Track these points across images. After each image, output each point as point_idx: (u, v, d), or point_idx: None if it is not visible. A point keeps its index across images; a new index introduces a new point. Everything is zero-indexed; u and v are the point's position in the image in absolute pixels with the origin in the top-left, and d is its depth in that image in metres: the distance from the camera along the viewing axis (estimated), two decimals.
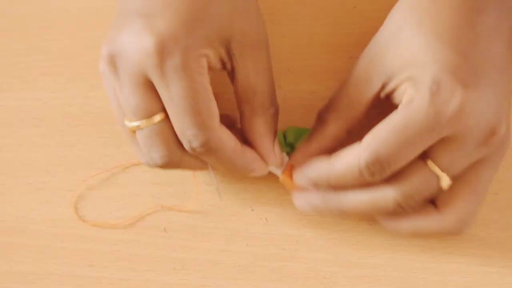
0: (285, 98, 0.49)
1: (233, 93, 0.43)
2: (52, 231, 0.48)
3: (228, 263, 0.48)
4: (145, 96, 0.40)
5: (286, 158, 0.47)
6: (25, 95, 0.50)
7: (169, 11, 0.39)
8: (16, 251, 0.48)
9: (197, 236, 0.48)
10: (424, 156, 0.40)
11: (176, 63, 0.39)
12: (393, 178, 0.41)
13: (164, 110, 0.40)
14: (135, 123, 0.40)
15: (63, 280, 0.48)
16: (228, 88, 0.44)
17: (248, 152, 0.43)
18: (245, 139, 0.44)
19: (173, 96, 0.39)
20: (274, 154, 0.44)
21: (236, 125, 0.45)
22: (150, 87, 0.40)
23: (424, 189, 0.41)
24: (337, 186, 0.42)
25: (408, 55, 0.40)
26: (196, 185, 0.48)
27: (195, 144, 0.40)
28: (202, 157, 0.41)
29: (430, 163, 0.40)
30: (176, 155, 0.41)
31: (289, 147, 0.47)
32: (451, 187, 0.41)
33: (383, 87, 0.42)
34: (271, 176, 0.46)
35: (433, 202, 0.43)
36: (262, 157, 0.44)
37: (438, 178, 0.40)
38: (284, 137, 0.47)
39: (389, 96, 0.42)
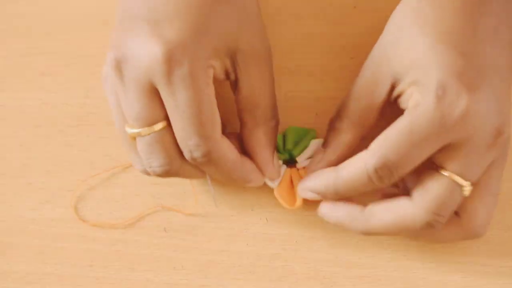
0: (285, 98, 0.49)
1: (235, 102, 0.43)
2: (52, 231, 0.49)
3: (228, 263, 0.48)
4: (149, 103, 0.40)
5: (283, 167, 0.47)
6: (25, 95, 0.50)
7: (178, 19, 0.39)
8: (16, 251, 0.48)
9: (197, 236, 0.48)
10: (440, 168, 0.40)
11: (184, 72, 0.38)
12: (417, 198, 0.41)
13: (166, 118, 0.40)
14: (137, 130, 0.40)
15: (63, 280, 0.48)
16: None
17: (247, 163, 0.43)
18: (243, 148, 0.44)
19: (178, 104, 0.39)
20: (273, 166, 0.44)
21: (226, 128, 0.45)
22: (154, 95, 0.40)
23: (450, 202, 0.40)
24: (346, 195, 0.42)
25: (413, 58, 0.40)
26: (193, 186, 0.48)
27: (197, 154, 0.40)
28: (201, 167, 0.42)
29: (450, 174, 0.40)
30: (175, 164, 0.41)
31: (287, 154, 0.47)
32: (471, 194, 0.41)
33: (391, 91, 0.42)
34: None
35: None
36: (260, 168, 0.44)
37: (461, 187, 0.40)
38: (283, 141, 0.47)
39: (396, 100, 0.42)
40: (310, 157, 0.46)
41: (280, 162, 0.47)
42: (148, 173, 0.43)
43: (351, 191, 0.42)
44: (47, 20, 0.51)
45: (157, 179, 0.48)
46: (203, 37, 0.39)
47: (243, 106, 0.43)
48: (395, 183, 0.43)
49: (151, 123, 0.40)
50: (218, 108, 0.41)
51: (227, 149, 0.41)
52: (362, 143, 0.42)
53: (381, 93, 0.42)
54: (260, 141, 0.43)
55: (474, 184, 0.41)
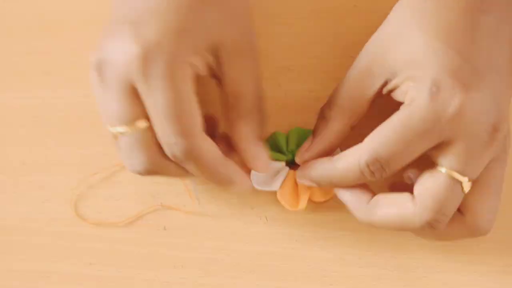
0: (285, 97, 0.49)
1: (220, 100, 0.43)
2: (52, 230, 0.49)
3: (228, 262, 0.48)
4: (129, 103, 0.40)
5: (286, 169, 0.47)
6: (26, 94, 0.50)
7: (156, 19, 0.39)
8: (16, 250, 0.48)
9: (197, 234, 0.48)
10: (438, 165, 0.40)
11: (160, 70, 0.39)
12: (417, 195, 0.41)
13: (147, 117, 0.40)
14: (118, 129, 0.40)
15: (63, 278, 0.48)
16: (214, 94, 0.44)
17: (231, 164, 0.43)
18: (232, 147, 0.44)
19: (156, 103, 0.39)
20: (259, 159, 0.44)
21: (218, 128, 0.45)
22: (134, 94, 0.40)
23: (450, 200, 0.40)
24: (340, 185, 0.43)
25: (409, 54, 0.40)
26: (185, 185, 0.48)
27: (176, 152, 0.40)
28: (183, 165, 0.41)
29: (447, 170, 0.40)
30: (156, 162, 0.41)
31: (291, 154, 0.47)
32: (473, 192, 0.41)
33: (385, 84, 0.42)
34: None
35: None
36: (248, 163, 0.43)
37: (460, 184, 0.40)
38: (287, 141, 0.47)
39: (390, 93, 0.42)
40: None
41: (283, 163, 0.47)
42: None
43: (345, 182, 0.42)
44: (47, 20, 0.51)
45: (157, 178, 0.48)
46: (182, 35, 0.39)
47: (226, 102, 0.42)
48: (408, 176, 0.43)
49: (131, 122, 0.40)
50: (211, 108, 0.41)
51: (207, 147, 0.41)
52: (358, 135, 0.42)
53: (374, 86, 0.42)
54: (244, 135, 0.43)
55: (476, 181, 0.41)
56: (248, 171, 0.44)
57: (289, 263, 0.48)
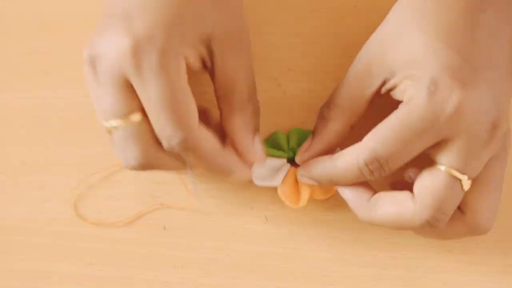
0: (285, 97, 0.49)
1: (214, 92, 0.43)
2: (52, 230, 0.49)
3: (228, 262, 0.48)
4: (122, 96, 0.40)
5: (287, 166, 0.47)
6: (26, 94, 0.50)
7: (147, 12, 0.39)
8: (16, 250, 0.48)
9: (197, 234, 0.48)
10: (437, 163, 0.41)
11: (153, 63, 0.39)
12: (417, 194, 0.41)
13: (141, 111, 0.40)
14: (112, 123, 0.40)
15: (63, 278, 0.48)
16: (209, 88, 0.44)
17: (229, 154, 0.43)
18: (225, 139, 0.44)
19: (150, 95, 0.39)
20: (254, 150, 0.44)
21: (216, 120, 0.45)
22: (128, 88, 0.40)
23: (449, 198, 0.40)
24: (340, 184, 0.43)
25: (408, 53, 0.40)
26: (183, 182, 0.48)
27: (173, 143, 0.40)
28: (182, 155, 0.41)
29: (447, 168, 0.40)
30: (150, 155, 0.41)
31: (292, 152, 0.47)
32: (473, 190, 0.41)
33: (383, 84, 0.42)
34: None
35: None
36: (242, 154, 0.44)
37: (459, 182, 0.40)
38: (288, 140, 0.47)
39: (390, 92, 0.42)
40: None
41: (284, 160, 0.47)
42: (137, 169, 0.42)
43: (345, 181, 0.42)
44: (47, 19, 0.51)
45: (157, 178, 0.48)
46: (174, 27, 0.40)
47: (219, 94, 0.42)
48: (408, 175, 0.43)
49: (125, 116, 0.40)
50: (204, 101, 0.41)
51: (204, 136, 0.41)
52: (358, 135, 0.42)
53: (373, 85, 0.42)
54: (237, 126, 0.43)
55: (475, 180, 0.41)
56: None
57: (289, 263, 0.48)
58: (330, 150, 0.44)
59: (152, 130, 0.41)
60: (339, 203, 0.46)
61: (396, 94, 0.41)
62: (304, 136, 0.46)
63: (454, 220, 0.42)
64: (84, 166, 0.49)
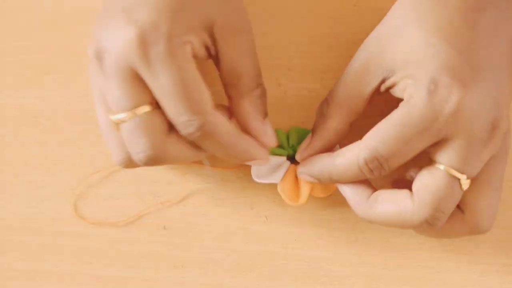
0: (285, 96, 0.49)
1: (220, 80, 0.43)
2: (52, 229, 0.49)
3: (228, 261, 0.48)
4: (131, 89, 0.39)
5: (287, 163, 0.47)
6: (26, 93, 0.50)
7: (149, 2, 0.39)
8: (16, 249, 0.48)
9: (197, 234, 0.48)
10: (436, 162, 0.41)
11: (161, 51, 0.39)
12: (416, 192, 0.41)
13: (150, 102, 0.40)
14: (120, 116, 0.40)
15: (63, 278, 0.48)
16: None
17: (247, 137, 0.43)
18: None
19: (162, 84, 0.39)
20: (266, 133, 0.43)
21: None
22: (136, 79, 0.39)
23: (448, 197, 0.40)
24: (340, 182, 0.43)
25: (408, 52, 0.40)
26: (187, 184, 0.48)
27: (191, 129, 0.40)
28: (199, 143, 0.41)
29: (446, 167, 0.40)
30: (160, 148, 0.41)
31: (292, 149, 0.47)
32: (473, 189, 0.41)
33: (383, 81, 0.42)
34: None
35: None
36: (255, 138, 0.43)
37: (458, 181, 0.40)
38: (287, 138, 0.47)
39: (389, 90, 0.42)
40: None
41: (284, 157, 0.47)
42: (127, 166, 0.42)
43: (344, 179, 0.42)
44: (47, 19, 0.51)
45: (157, 177, 0.48)
46: (176, 14, 0.39)
47: (226, 81, 0.42)
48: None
49: (134, 107, 0.40)
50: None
51: (220, 121, 0.41)
52: (357, 133, 0.42)
53: (371, 82, 0.42)
54: (247, 111, 0.43)
55: (475, 179, 0.41)
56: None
57: (289, 263, 0.48)
58: (330, 148, 0.44)
59: (161, 121, 0.40)
60: (339, 203, 0.46)
61: (396, 92, 0.41)
62: (304, 134, 0.46)
63: (453, 219, 0.42)
64: (84, 166, 0.49)
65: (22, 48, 0.51)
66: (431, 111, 0.39)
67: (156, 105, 0.40)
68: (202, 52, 0.41)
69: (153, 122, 0.40)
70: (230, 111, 0.43)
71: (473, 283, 0.47)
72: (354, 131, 0.42)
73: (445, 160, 0.40)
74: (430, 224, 0.40)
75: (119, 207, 0.48)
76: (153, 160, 0.41)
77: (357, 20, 0.49)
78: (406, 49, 0.40)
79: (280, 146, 0.47)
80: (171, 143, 0.41)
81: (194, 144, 0.41)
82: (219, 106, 0.43)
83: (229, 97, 0.43)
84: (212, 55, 0.42)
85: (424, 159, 0.41)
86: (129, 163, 0.42)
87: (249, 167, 0.46)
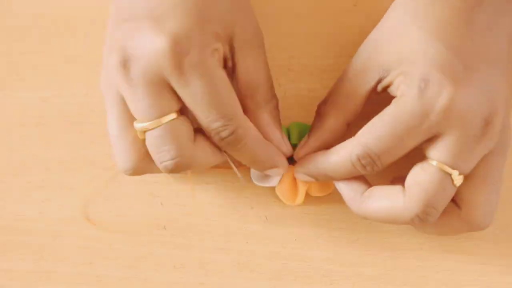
0: (285, 96, 0.49)
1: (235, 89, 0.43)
2: (52, 229, 0.49)
3: (228, 261, 0.48)
4: (159, 97, 0.40)
5: None
6: (26, 93, 0.50)
7: (178, 12, 0.40)
8: (16, 249, 0.48)
9: (197, 234, 0.48)
10: (428, 158, 0.41)
11: (194, 60, 0.39)
12: (408, 188, 0.41)
13: (176, 110, 0.40)
14: (147, 124, 0.40)
15: (63, 278, 0.48)
16: None
17: (272, 145, 0.44)
18: None
19: (195, 93, 0.39)
20: (285, 143, 0.45)
21: None
22: (164, 88, 0.40)
23: (440, 193, 0.40)
24: (336, 178, 0.44)
25: (401, 50, 0.41)
26: (191, 184, 0.48)
27: (225, 133, 0.41)
28: (228, 147, 0.42)
29: (437, 163, 0.40)
30: (187, 154, 0.41)
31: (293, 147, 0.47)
32: (469, 185, 0.42)
33: (379, 81, 0.42)
34: None
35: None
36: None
37: (449, 176, 0.40)
38: (288, 134, 0.47)
39: (385, 90, 0.42)
40: None
41: None
42: (134, 173, 0.42)
43: (339, 175, 0.43)
44: (47, 19, 0.51)
45: (157, 177, 0.48)
46: (205, 24, 0.40)
47: (243, 92, 0.43)
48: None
49: (162, 115, 0.40)
50: None
51: (250, 125, 0.42)
52: (355, 132, 0.43)
53: (368, 82, 0.42)
54: (266, 121, 0.44)
55: (471, 175, 0.41)
56: None
57: (289, 263, 0.48)
58: (327, 147, 0.44)
59: (187, 128, 0.41)
60: (339, 203, 0.46)
61: (393, 91, 0.42)
62: (305, 130, 0.47)
63: (451, 216, 0.42)
64: (84, 166, 0.49)
65: (22, 48, 0.51)
66: (422, 108, 0.39)
67: (180, 113, 0.41)
68: (221, 62, 0.42)
69: (181, 129, 0.41)
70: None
71: (473, 284, 0.47)
72: (353, 131, 0.43)
73: (437, 156, 0.40)
74: (421, 219, 0.41)
75: (120, 207, 0.48)
76: (181, 167, 0.41)
77: (357, 20, 0.49)
78: (400, 48, 0.41)
79: None
80: (197, 149, 0.41)
81: (217, 148, 0.42)
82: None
83: (247, 107, 0.43)
84: (228, 67, 0.43)
85: (418, 155, 0.42)
86: (136, 171, 0.42)
87: (248, 167, 0.46)
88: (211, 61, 0.40)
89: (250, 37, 0.43)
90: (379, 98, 0.43)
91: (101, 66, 0.43)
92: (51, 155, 0.49)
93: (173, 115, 0.40)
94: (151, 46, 0.39)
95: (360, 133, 0.41)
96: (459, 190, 0.42)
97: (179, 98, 0.40)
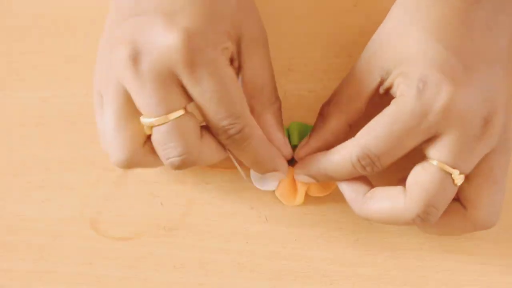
0: (285, 97, 0.49)
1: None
2: (52, 230, 0.48)
3: (228, 262, 0.48)
4: (169, 92, 0.39)
5: None
6: (26, 93, 0.50)
7: (192, 8, 0.40)
8: (16, 250, 0.48)
9: (196, 234, 0.48)
10: (428, 158, 0.41)
11: (206, 58, 0.39)
12: (408, 188, 0.41)
13: (183, 106, 0.40)
14: (154, 119, 0.40)
15: (63, 278, 0.48)
16: None
17: (274, 148, 0.44)
18: None
19: (205, 90, 0.39)
20: (286, 145, 0.45)
21: None
22: (174, 84, 0.40)
23: (440, 192, 0.40)
24: (337, 179, 0.44)
25: (401, 51, 0.41)
26: (187, 184, 0.48)
27: (233, 131, 0.41)
28: (233, 146, 0.42)
29: (438, 163, 0.40)
30: (194, 151, 0.41)
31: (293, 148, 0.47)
32: (472, 184, 0.42)
33: (381, 83, 0.42)
34: None
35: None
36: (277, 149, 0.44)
37: (450, 176, 0.40)
38: (288, 135, 0.47)
39: (388, 91, 0.43)
40: None
41: None
42: (129, 166, 0.42)
43: (340, 176, 0.43)
44: (47, 19, 0.51)
45: (157, 177, 0.48)
46: (216, 22, 0.40)
47: (248, 92, 0.43)
48: None
49: (171, 110, 0.40)
50: None
51: (256, 124, 0.42)
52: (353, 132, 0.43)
53: (371, 83, 0.42)
54: (271, 123, 0.44)
55: (474, 174, 0.41)
56: None
57: (289, 263, 0.48)
58: (328, 148, 0.44)
59: (194, 125, 0.41)
60: (339, 203, 0.46)
61: (394, 93, 0.42)
62: (305, 130, 0.47)
63: (456, 216, 0.42)
64: (84, 166, 0.49)
65: (22, 48, 0.51)
66: (421, 108, 0.39)
67: (187, 109, 0.41)
68: (229, 61, 0.42)
69: (189, 126, 0.40)
70: None
71: (473, 283, 0.47)
72: (355, 132, 0.42)
73: (437, 155, 0.40)
74: (422, 219, 0.41)
75: (119, 207, 0.48)
76: (187, 163, 0.41)
77: (357, 20, 0.49)
78: (400, 48, 0.41)
79: None
80: (203, 145, 0.41)
81: (221, 146, 0.42)
82: None
83: (251, 109, 0.43)
84: (234, 66, 0.43)
85: (423, 156, 0.42)
86: (131, 164, 0.42)
87: (248, 167, 0.45)
88: (222, 60, 0.40)
89: (256, 37, 0.43)
90: (382, 101, 0.43)
91: None
92: (51, 155, 0.49)
93: (181, 112, 0.40)
94: (163, 41, 0.39)
95: (360, 134, 0.41)
96: (463, 190, 0.42)
97: (187, 95, 0.40)
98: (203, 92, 0.40)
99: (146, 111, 0.40)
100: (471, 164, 0.41)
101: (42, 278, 0.48)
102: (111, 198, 0.49)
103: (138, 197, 0.49)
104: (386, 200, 0.42)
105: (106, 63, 0.42)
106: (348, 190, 0.44)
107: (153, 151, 0.41)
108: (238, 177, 0.48)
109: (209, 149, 0.42)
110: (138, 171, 0.49)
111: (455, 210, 0.42)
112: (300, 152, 0.45)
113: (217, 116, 0.40)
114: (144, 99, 0.40)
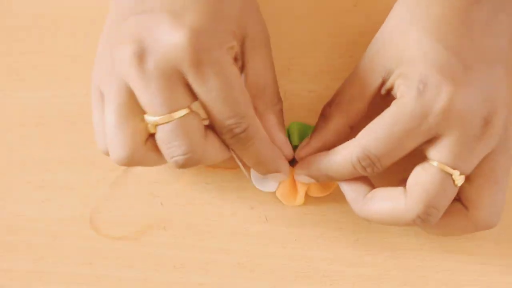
0: (285, 97, 0.49)
1: None
2: (52, 230, 0.49)
3: (228, 262, 0.48)
4: (174, 91, 0.39)
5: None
6: (26, 93, 0.50)
7: (198, 7, 0.40)
8: (16, 250, 0.48)
9: (196, 234, 0.48)
10: (429, 159, 0.41)
11: (212, 57, 0.39)
12: (409, 189, 0.41)
13: (188, 105, 0.40)
14: (159, 117, 0.40)
15: (63, 278, 0.48)
16: None
17: (276, 148, 0.44)
18: None
19: (211, 89, 0.39)
20: (288, 146, 0.45)
21: None
22: (179, 82, 0.40)
23: (441, 193, 0.40)
24: (337, 179, 0.44)
25: (402, 52, 0.41)
26: (187, 184, 0.48)
27: (238, 130, 0.41)
28: (237, 145, 0.42)
29: (438, 164, 0.40)
30: (199, 150, 0.41)
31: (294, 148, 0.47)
32: (473, 185, 0.42)
33: (383, 83, 0.42)
34: None
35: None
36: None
37: (451, 177, 0.40)
38: (288, 135, 0.47)
39: (389, 92, 0.43)
40: None
41: None
42: (129, 163, 0.41)
43: (341, 176, 0.43)
44: (47, 19, 0.51)
45: (157, 177, 0.48)
46: (222, 22, 0.40)
47: (251, 92, 0.43)
48: None
49: (176, 109, 0.40)
50: None
51: (260, 125, 0.42)
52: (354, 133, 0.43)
53: (372, 84, 0.42)
54: (273, 123, 0.44)
55: (475, 175, 0.41)
56: None
57: (289, 263, 0.48)
58: (328, 149, 0.44)
59: (199, 124, 0.41)
60: (339, 203, 0.46)
61: (395, 94, 0.42)
62: (305, 130, 0.47)
63: (458, 216, 0.42)
64: (84, 166, 0.49)
65: (22, 48, 0.51)
66: (421, 109, 0.39)
67: (191, 108, 0.41)
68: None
69: (193, 125, 0.40)
70: None
71: (473, 284, 0.47)
72: (357, 133, 0.42)
73: (437, 156, 0.40)
74: (423, 220, 0.41)
75: (119, 207, 0.48)
76: (192, 162, 0.41)
77: (357, 20, 0.49)
78: (400, 50, 0.41)
79: None
80: (208, 144, 0.41)
81: (225, 145, 0.42)
82: None
83: (254, 109, 0.43)
84: (237, 66, 0.43)
85: (424, 157, 0.42)
86: (131, 162, 0.41)
87: (248, 167, 0.45)
88: (227, 59, 0.40)
89: (260, 38, 0.43)
90: (383, 102, 0.43)
91: None
92: (51, 155, 0.49)
93: (186, 110, 0.40)
94: (169, 39, 0.39)
95: (361, 134, 0.41)
96: (464, 191, 0.42)
97: (192, 94, 0.40)
98: (209, 91, 0.40)
99: (150, 109, 0.40)
100: (472, 164, 0.41)
101: (42, 278, 0.48)
102: (111, 198, 0.49)
103: (138, 197, 0.49)
104: (386, 201, 0.42)
105: (106, 62, 0.41)
106: (349, 190, 0.44)
107: (154, 149, 0.41)
108: (238, 177, 0.48)
109: (213, 148, 0.42)
110: (138, 171, 0.49)
111: (456, 210, 0.42)
112: (301, 152, 0.45)
113: (222, 115, 0.40)
114: (148, 98, 0.40)
